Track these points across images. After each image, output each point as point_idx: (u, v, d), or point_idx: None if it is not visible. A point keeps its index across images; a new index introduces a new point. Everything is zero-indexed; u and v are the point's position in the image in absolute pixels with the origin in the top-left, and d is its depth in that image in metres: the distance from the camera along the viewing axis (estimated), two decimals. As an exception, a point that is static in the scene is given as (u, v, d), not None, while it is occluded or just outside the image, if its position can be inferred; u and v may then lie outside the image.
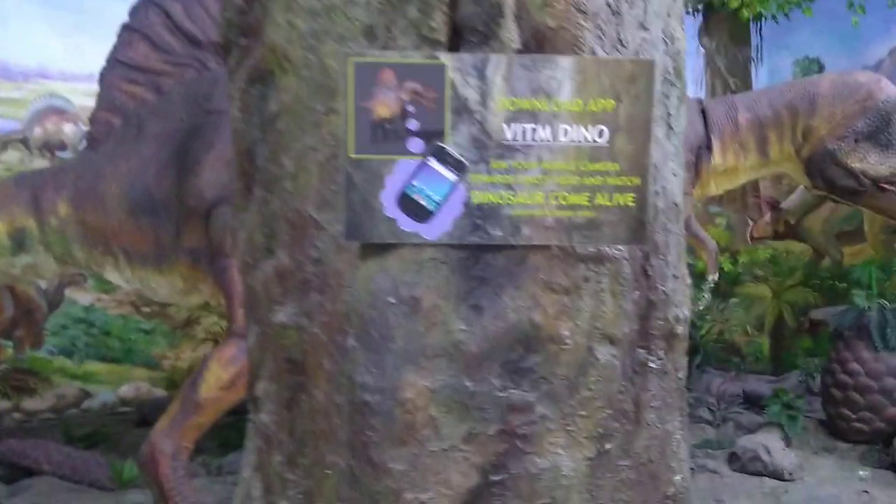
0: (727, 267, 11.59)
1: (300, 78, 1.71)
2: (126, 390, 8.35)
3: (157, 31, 4.67)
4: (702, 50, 11.99)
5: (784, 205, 10.46)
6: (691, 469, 2.68)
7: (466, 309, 1.65)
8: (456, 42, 1.64)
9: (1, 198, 4.49)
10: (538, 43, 1.65)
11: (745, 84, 11.66)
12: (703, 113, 5.60)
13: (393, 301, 1.65)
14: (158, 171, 4.47)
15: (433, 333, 1.65)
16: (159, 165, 4.47)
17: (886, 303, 8.09)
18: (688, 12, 11.87)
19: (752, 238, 11.16)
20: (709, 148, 5.55)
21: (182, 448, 4.11)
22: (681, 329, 1.92)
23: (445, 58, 1.59)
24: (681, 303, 1.93)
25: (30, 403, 8.04)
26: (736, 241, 11.68)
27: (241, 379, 4.07)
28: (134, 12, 4.77)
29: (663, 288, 1.85)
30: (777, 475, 7.10)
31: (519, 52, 1.63)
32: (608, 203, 1.66)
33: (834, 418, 8.10)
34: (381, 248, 1.65)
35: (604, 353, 1.74)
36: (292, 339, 1.76)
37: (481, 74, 1.60)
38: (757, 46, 11.56)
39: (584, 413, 1.73)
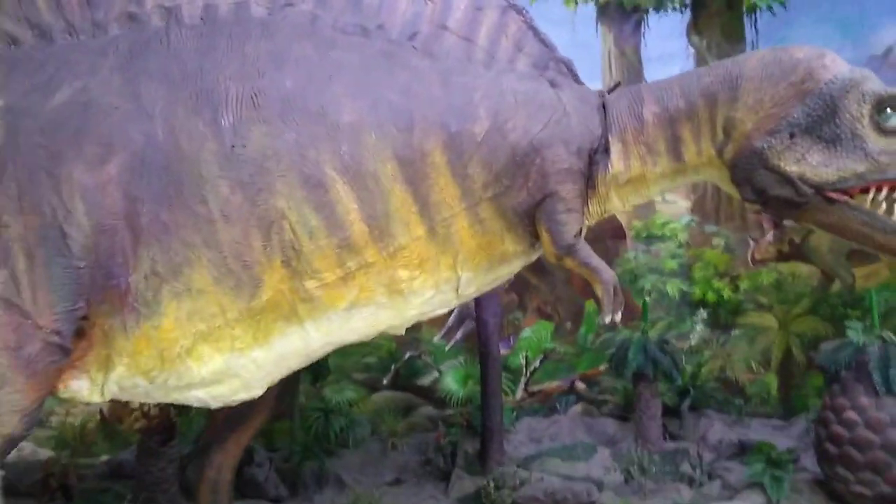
0: (727, 294, 10.16)
1: None
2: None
3: None
4: (691, 50, 10.67)
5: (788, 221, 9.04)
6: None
7: None
8: None
9: None
10: None
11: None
12: (604, 108, 4.38)
13: None
14: None
15: None
16: None
17: (892, 336, 6.67)
18: (675, 8, 10.59)
19: (753, 261, 9.79)
20: (606, 152, 4.30)
21: None
22: None
23: None
24: None
25: None
26: (736, 264, 10.26)
27: None
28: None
29: None
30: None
31: None
32: None
33: (831, 479, 6.67)
34: None
35: None
36: None
37: None
38: (752, 42, 10.19)
39: None
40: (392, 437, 8.37)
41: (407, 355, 9.63)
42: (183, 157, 3.72)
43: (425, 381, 9.70)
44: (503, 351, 9.40)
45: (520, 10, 4.60)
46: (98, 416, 7.45)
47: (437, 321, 9.62)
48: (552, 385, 10.07)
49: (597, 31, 10.57)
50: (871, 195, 3.89)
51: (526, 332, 10.13)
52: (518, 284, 9.85)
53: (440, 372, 9.60)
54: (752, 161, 4.06)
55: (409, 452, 8.18)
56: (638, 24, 10.70)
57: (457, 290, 4.35)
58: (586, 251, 4.20)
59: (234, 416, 4.99)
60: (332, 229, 3.90)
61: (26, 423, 3.56)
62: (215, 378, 4.02)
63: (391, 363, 9.58)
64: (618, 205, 4.51)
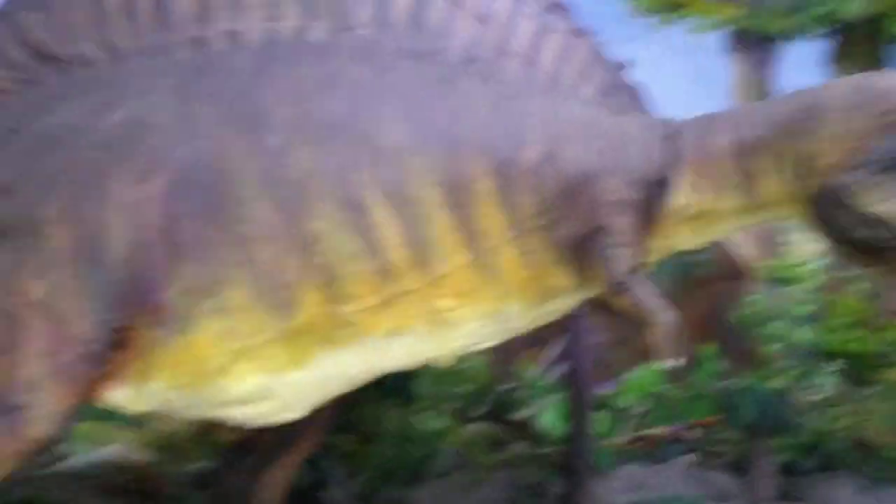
0: (865, 345, 9.22)
1: None
2: (107, 453, 7.73)
3: (4, 44, 4.16)
4: (831, 81, 9.86)
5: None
6: None
7: None
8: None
9: None
10: None
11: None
12: (671, 137, 4.06)
13: None
14: None
15: None
16: None
17: None
18: (812, 38, 9.82)
19: (891, 311, 8.85)
20: (669, 184, 3.98)
21: None
22: None
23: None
24: None
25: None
26: (877, 312, 9.30)
27: None
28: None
29: None
30: None
31: None
32: None
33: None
34: None
35: None
36: None
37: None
38: (898, 74, 9.29)
39: None
40: (479, 472, 8.16)
41: (503, 387, 9.40)
42: (225, 176, 3.80)
43: (521, 415, 9.41)
44: (607, 390, 8.97)
45: (588, 34, 4.40)
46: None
47: (537, 354, 9.34)
48: (661, 431, 9.50)
49: (724, 60, 10.03)
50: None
51: (634, 373, 9.63)
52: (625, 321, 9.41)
53: (538, 407, 9.29)
54: (833, 199, 3.64)
55: (496, 489, 7.93)
56: (769, 54, 10.03)
57: (504, 322, 4.18)
58: (641, 290, 3.90)
59: (285, 435, 5.01)
60: (370, 254, 3.84)
61: (57, 429, 3.72)
62: (252, 397, 4.04)
63: (485, 394, 9.36)
64: (685, 241, 4.19)
